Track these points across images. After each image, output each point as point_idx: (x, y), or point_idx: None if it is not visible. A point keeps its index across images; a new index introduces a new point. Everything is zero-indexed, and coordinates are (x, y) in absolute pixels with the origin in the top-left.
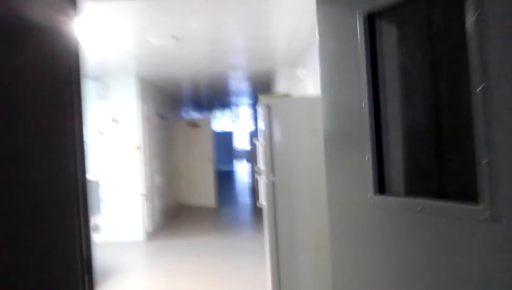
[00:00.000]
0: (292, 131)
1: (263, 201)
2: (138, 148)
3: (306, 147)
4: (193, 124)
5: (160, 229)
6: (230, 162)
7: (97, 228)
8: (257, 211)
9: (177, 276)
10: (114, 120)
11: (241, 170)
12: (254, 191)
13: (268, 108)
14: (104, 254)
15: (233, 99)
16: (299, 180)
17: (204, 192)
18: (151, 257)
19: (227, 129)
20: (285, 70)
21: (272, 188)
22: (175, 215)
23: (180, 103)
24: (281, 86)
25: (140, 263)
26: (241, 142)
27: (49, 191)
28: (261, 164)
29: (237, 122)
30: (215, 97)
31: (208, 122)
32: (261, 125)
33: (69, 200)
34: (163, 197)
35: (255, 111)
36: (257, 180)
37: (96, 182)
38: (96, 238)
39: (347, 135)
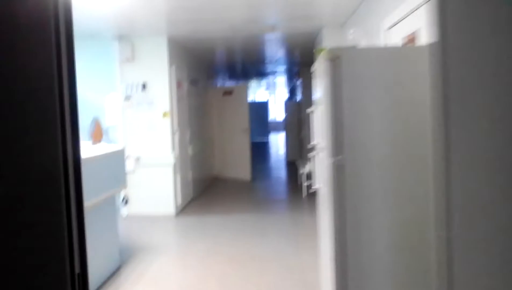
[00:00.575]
0: (371, 95)
1: (318, 183)
2: (168, 115)
3: (391, 118)
4: (228, 92)
5: (191, 202)
6: (265, 134)
7: (125, 200)
8: (293, 186)
9: (210, 259)
10: (142, 85)
11: (276, 141)
12: (289, 164)
13: (335, 61)
14: (131, 229)
15: (269, 67)
16: (378, 161)
17: (238, 165)
18: (181, 235)
19: (261, 99)
20: (331, 32)
21: (337, 170)
22: (208, 188)
23: (213, 69)
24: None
25: (170, 242)
26: (276, 113)
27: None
28: (318, 138)
29: (272, 92)
30: (250, 64)
31: (243, 91)
32: (321, 87)
33: (52, 181)
34: (195, 169)
35: (291, 80)
36: (293, 152)
37: (122, 152)
38: (124, 211)
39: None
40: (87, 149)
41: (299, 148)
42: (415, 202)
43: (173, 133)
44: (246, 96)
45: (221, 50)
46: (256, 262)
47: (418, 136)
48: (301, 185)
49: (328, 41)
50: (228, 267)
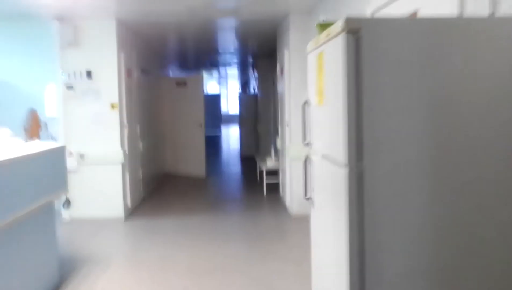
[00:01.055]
0: (401, 83)
1: (313, 192)
2: (117, 107)
3: (430, 113)
4: (182, 82)
5: (143, 203)
6: (217, 127)
7: (67, 202)
8: (251, 184)
9: (166, 271)
10: (87, 73)
11: (229, 135)
12: (245, 159)
13: (357, 34)
14: (74, 237)
15: (223, 57)
16: (409, 169)
17: (192, 160)
18: (132, 242)
19: (213, 92)
20: (299, 19)
21: (354, 180)
22: (160, 186)
23: (165, 58)
24: (292, 41)
25: (119, 251)
26: (228, 106)
27: None
28: (317, 139)
29: (223, 85)
30: (203, 54)
31: (198, 82)
32: (330, 71)
33: None
34: (146, 166)
35: (244, 72)
36: (249, 147)
37: (61, 150)
38: (66, 214)
39: None
40: (18, 147)
41: (255, 143)
42: (464, 226)
43: (122, 127)
44: (201, 87)
45: (174, 37)
46: (218, 273)
47: (467, 136)
48: (260, 182)
49: (295, 30)
50: (187, 280)
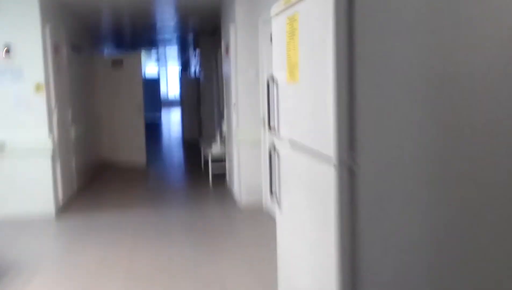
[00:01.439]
0: (402, 56)
1: (279, 186)
2: (43, 88)
3: (437, 96)
4: (118, 62)
5: (76, 197)
6: (157, 111)
7: None
8: (195, 172)
9: (105, 276)
10: (5, 48)
11: (169, 119)
12: (188, 145)
13: None
14: None
15: (161, 34)
16: (411, 167)
17: (131, 147)
18: (65, 243)
19: (152, 73)
20: (240, 2)
21: (344, 180)
22: (95, 177)
23: (99, 35)
24: (239, 14)
25: (49, 254)
26: (167, 88)
27: None
28: (288, 124)
29: (162, 66)
30: (140, 30)
31: (136, 61)
32: (308, 39)
33: None
34: (80, 154)
35: (184, 51)
36: (191, 132)
37: None
38: None
39: None
40: None
41: (198, 127)
42: (464, 226)
43: (50, 111)
44: (139, 67)
45: (108, 11)
46: (164, 276)
47: (478, 124)
48: (206, 171)
49: (242, 1)
50: (130, 286)
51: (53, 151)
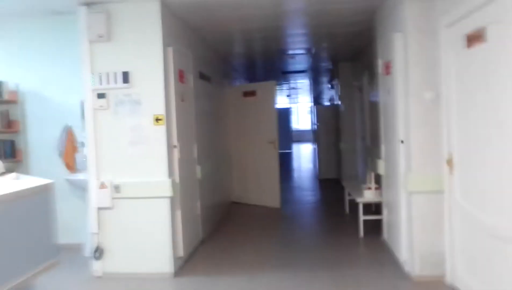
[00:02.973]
0: None
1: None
2: (163, 121)
3: None
4: (250, 92)
5: (201, 249)
6: (288, 145)
7: (98, 252)
8: (336, 217)
9: None
10: (123, 75)
11: (301, 153)
12: (323, 183)
13: None
14: None
15: (292, 63)
16: None
17: (264, 187)
18: None
19: (283, 106)
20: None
21: None
22: (225, 222)
23: (228, 64)
24: (410, 17)
25: None
26: (299, 121)
27: None
28: None
29: (293, 100)
30: (271, 60)
31: (270, 90)
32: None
33: None
34: (206, 198)
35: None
36: (328, 169)
37: (46, 189)
38: (97, 267)
39: None
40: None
41: (337, 163)
42: None
43: (170, 148)
44: (273, 97)
45: (238, 36)
46: None
47: None
48: (351, 216)
49: (412, 8)
50: None
51: (173, 194)
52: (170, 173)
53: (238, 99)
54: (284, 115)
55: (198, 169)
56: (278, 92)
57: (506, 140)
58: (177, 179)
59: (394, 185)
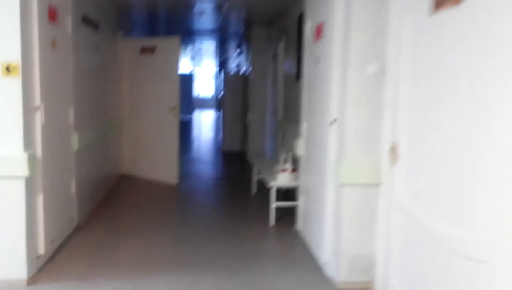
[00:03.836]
0: None
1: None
2: (17, 71)
3: None
4: (149, 48)
5: (73, 239)
6: (189, 112)
7: None
8: (242, 197)
9: None
10: None
11: (202, 121)
12: (228, 156)
13: None
14: None
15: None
16: None
17: (159, 160)
18: None
19: (184, 71)
20: None
21: None
22: (110, 199)
23: (126, 13)
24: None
25: None
26: (201, 88)
27: None
28: None
29: (197, 64)
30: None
31: (172, 48)
32: None
33: None
34: (87, 173)
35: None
36: (233, 141)
37: None
38: None
39: None
40: None
41: (243, 135)
42: None
43: (29, 110)
44: (176, 56)
45: None
46: None
47: None
48: (260, 197)
49: None
50: None
51: (31, 173)
52: (28, 145)
53: (135, 55)
54: (187, 78)
55: (74, 138)
56: (182, 52)
57: (479, 133)
58: (39, 153)
59: (318, 172)
